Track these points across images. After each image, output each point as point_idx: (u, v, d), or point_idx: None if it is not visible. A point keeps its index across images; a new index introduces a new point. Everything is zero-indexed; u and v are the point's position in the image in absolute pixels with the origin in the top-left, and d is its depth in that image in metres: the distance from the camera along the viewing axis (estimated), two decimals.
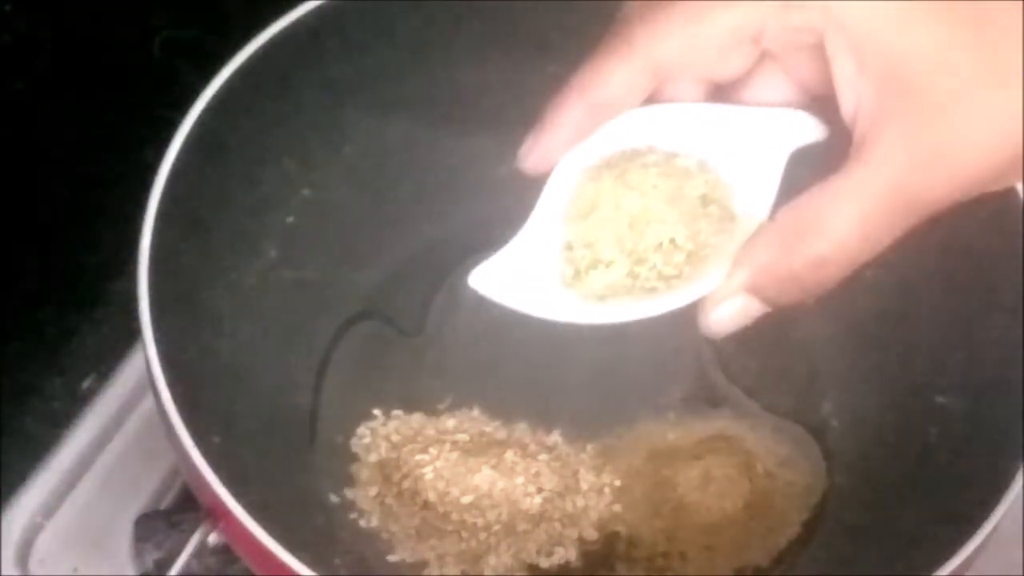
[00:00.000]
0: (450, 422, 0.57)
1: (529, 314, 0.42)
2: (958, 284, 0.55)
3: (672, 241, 0.40)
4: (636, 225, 0.41)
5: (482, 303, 0.61)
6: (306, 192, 0.59)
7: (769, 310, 0.37)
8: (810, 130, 0.41)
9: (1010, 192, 0.51)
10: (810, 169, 0.39)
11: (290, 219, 0.59)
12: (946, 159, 0.34)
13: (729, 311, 0.37)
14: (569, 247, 0.42)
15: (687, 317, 0.61)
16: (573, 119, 0.40)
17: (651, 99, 0.41)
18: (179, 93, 0.52)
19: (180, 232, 0.50)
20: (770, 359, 0.61)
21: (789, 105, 0.41)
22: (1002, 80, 0.34)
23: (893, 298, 0.58)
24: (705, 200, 0.41)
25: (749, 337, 0.60)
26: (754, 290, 0.36)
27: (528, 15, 0.56)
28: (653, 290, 0.41)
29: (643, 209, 0.40)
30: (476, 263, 0.62)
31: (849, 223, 0.34)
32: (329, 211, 0.60)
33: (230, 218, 0.55)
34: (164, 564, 0.50)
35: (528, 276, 0.42)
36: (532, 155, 0.40)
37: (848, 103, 0.36)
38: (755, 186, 0.41)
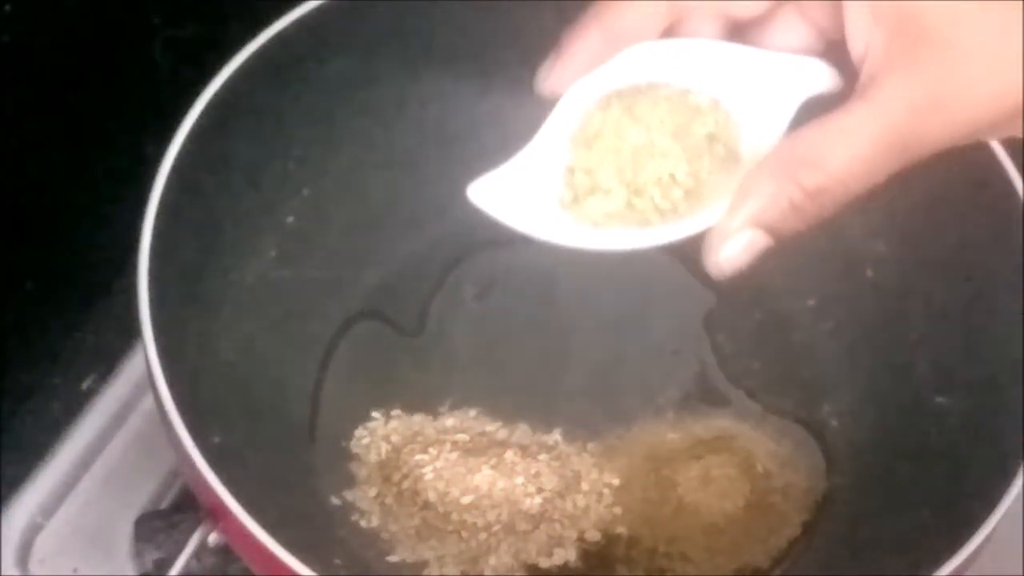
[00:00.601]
0: (450, 422, 0.57)
1: (522, 232, 0.42)
2: (958, 284, 0.55)
3: (672, 176, 0.41)
4: (638, 157, 0.41)
5: (482, 303, 0.62)
6: (306, 192, 0.59)
7: (772, 242, 0.37)
8: (825, 79, 0.41)
9: (1010, 192, 0.51)
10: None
11: (290, 219, 0.59)
12: (945, 108, 0.35)
13: (737, 246, 0.37)
14: (571, 171, 0.42)
15: (687, 317, 0.62)
16: (589, 47, 0.41)
17: (671, 35, 0.42)
18: (179, 93, 0.52)
19: (180, 232, 0.50)
20: (770, 359, 0.61)
21: (807, 52, 0.42)
22: (1007, 37, 0.35)
23: (893, 298, 0.58)
24: (712, 138, 0.41)
25: (749, 337, 0.61)
26: (758, 222, 0.37)
27: (529, 15, 0.56)
28: (648, 222, 0.41)
29: (647, 143, 0.41)
30: (476, 264, 0.63)
31: (848, 158, 0.35)
32: (329, 211, 0.60)
33: (230, 218, 0.55)
34: (164, 564, 0.50)
35: (526, 194, 0.42)
36: (549, 79, 0.41)
37: (858, 46, 0.37)
38: (764, 129, 0.41)
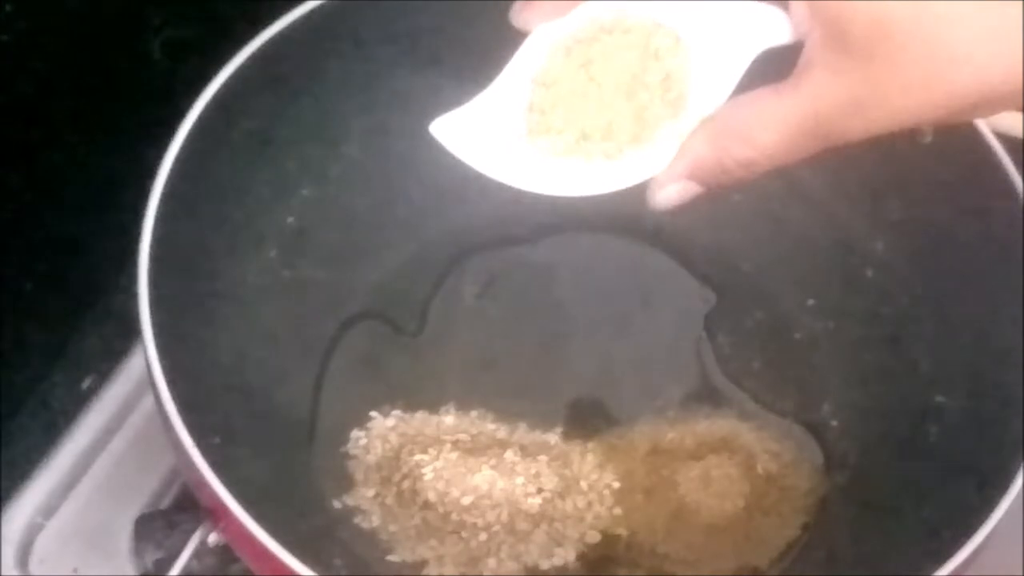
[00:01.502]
0: (450, 422, 0.57)
1: (479, 171, 0.44)
2: (958, 284, 0.55)
3: (619, 125, 0.43)
4: (588, 107, 0.43)
5: (482, 303, 0.62)
6: (306, 192, 0.59)
7: (704, 191, 0.42)
8: (785, 32, 0.42)
9: (1010, 192, 0.51)
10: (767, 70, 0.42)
11: (290, 219, 0.59)
12: (866, 111, 0.39)
13: (672, 192, 0.42)
14: (528, 109, 0.44)
15: (687, 317, 0.62)
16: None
17: None
18: (179, 93, 0.52)
19: (180, 232, 0.50)
20: (770, 359, 0.61)
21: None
22: (932, 49, 0.37)
23: (893, 298, 0.58)
24: (665, 85, 0.43)
25: (749, 337, 0.61)
26: (693, 176, 0.41)
27: None
28: (595, 165, 0.43)
29: (598, 95, 0.43)
30: (476, 264, 0.62)
31: (774, 139, 0.40)
32: (329, 211, 0.60)
33: (230, 218, 0.55)
34: (164, 564, 0.50)
35: (486, 133, 0.44)
36: (519, 17, 0.44)
37: (800, 31, 0.41)
38: (719, 74, 0.43)
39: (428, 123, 0.60)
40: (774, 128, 0.39)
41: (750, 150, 0.40)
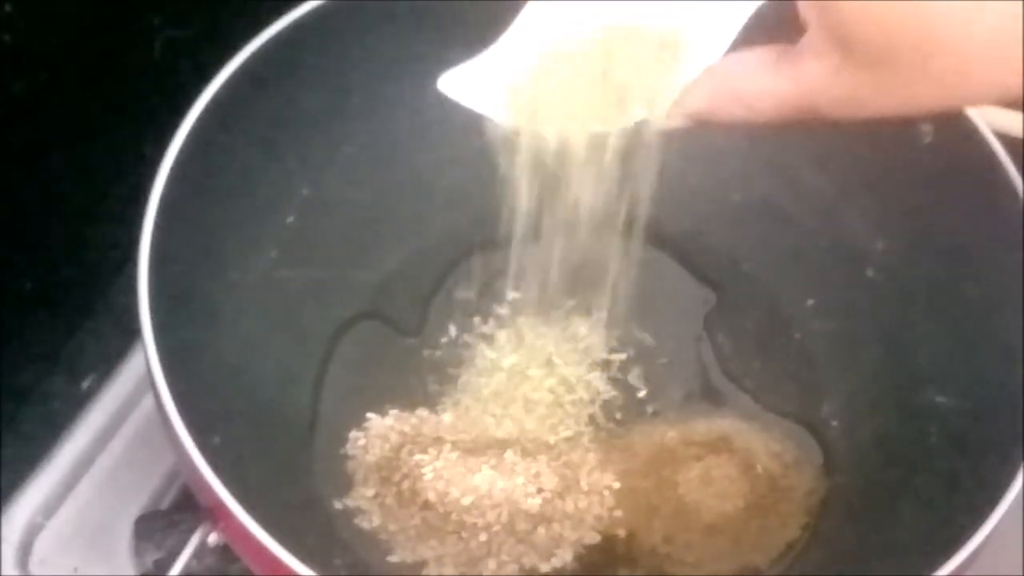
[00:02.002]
0: (450, 422, 0.57)
1: (482, 115, 0.46)
2: (958, 284, 0.55)
3: (621, 76, 0.45)
4: (590, 62, 0.45)
5: (482, 303, 0.62)
6: (306, 192, 0.59)
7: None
8: None
9: (1010, 192, 0.51)
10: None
11: (290, 219, 0.59)
12: (861, 103, 0.40)
13: (673, 123, 0.45)
14: (529, 66, 0.45)
15: (687, 317, 0.62)
16: None
17: None
18: (179, 93, 0.52)
19: (180, 232, 0.50)
20: (770, 359, 0.61)
21: None
22: (936, 59, 0.38)
23: (893, 298, 0.58)
24: (667, 38, 0.44)
25: (749, 337, 0.61)
26: (689, 120, 0.44)
27: None
28: (598, 108, 0.45)
29: (600, 53, 0.45)
30: (476, 264, 0.62)
31: (767, 109, 0.42)
32: (329, 211, 0.60)
33: (230, 218, 0.55)
34: (164, 564, 0.50)
35: (491, 82, 0.46)
36: None
37: (804, 17, 0.42)
38: (718, 28, 0.44)
39: (428, 124, 0.60)
40: (769, 100, 0.41)
41: (745, 112, 0.42)
